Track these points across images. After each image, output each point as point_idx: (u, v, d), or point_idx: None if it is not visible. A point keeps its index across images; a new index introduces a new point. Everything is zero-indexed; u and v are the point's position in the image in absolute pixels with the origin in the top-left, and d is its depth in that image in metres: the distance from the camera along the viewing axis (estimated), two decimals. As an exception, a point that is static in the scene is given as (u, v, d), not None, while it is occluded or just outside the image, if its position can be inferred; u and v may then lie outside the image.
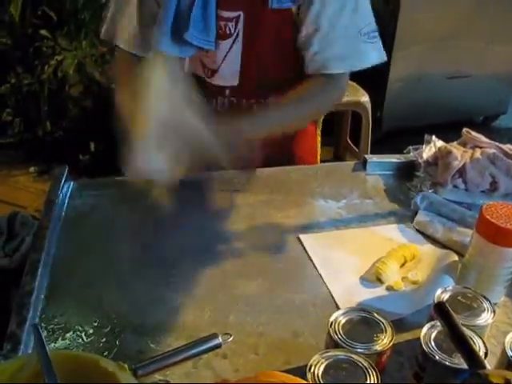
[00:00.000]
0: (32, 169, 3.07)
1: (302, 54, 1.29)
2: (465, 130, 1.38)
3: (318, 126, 1.66)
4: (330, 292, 1.01)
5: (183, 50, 1.24)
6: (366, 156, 1.40)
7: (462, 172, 1.27)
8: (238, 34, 1.26)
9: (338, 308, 0.96)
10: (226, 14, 1.24)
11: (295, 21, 1.26)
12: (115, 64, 1.35)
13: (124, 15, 1.29)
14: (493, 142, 1.35)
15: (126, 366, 0.63)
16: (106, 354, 0.86)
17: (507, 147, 1.32)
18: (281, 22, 1.26)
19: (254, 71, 1.31)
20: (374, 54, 1.29)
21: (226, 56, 1.28)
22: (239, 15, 1.24)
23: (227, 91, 1.33)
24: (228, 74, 1.31)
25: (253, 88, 1.33)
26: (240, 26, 1.25)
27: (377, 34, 1.28)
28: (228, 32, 1.26)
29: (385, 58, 1.31)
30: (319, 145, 1.64)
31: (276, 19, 1.25)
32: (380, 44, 1.30)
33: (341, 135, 3.13)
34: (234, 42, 1.27)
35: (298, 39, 1.27)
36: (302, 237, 1.14)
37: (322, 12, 1.22)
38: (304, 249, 1.11)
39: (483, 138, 1.36)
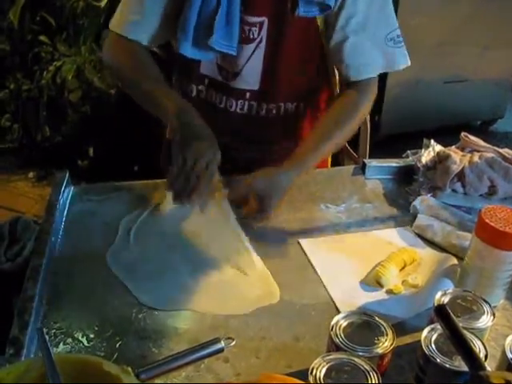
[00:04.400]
0: (31, 174, 3.07)
1: (334, 62, 1.34)
2: (463, 134, 1.39)
3: None
4: (330, 296, 1.02)
5: (204, 54, 1.26)
6: (365, 160, 1.41)
7: (460, 176, 1.28)
8: (261, 40, 1.27)
9: (338, 312, 0.96)
10: (250, 19, 1.24)
11: (321, 29, 1.28)
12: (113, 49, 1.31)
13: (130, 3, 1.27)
14: (491, 146, 1.36)
15: (129, 369, 0.63)
16: (107, 358, 0.86)
17: (505, 151, 1.33)
18: (305, 30, 1.27)
19: (275, 76, 1.32)
20: (400, 59, 1.33)
21: (248, 60, 1.29)
22: (263, 21, 1.25)
23: (248, 95, 1.33)
24: (249, 77, 1.31)
25: (273, 93, 1.34)
26: (264, 31, 1.26)
27: (401, 39, 1.31)
28: (251, 37, 1.26)
29: (409, 63, 1.34)
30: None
31: (300, 26, 1.26)
32: (404, 48, 1.33)
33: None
34: (256, 47, 1.28)
35: (327, 48, 1.30)
36: (302, 241, 1.15)
37: (350, 20, 1.25)
38: (304, 253, 1.12)
39: (481, 142, 1.37)
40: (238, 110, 1.35)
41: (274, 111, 1.36)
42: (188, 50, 1.23)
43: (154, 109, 1.21)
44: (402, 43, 1.32)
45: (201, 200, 1.10)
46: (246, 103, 1.34)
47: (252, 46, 1.27)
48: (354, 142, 3.04)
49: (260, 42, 1.27)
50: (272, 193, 1.15)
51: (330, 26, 1.27)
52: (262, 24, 1.25)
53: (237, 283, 1.03)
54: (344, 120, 1.29)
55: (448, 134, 1.65)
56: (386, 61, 1.31)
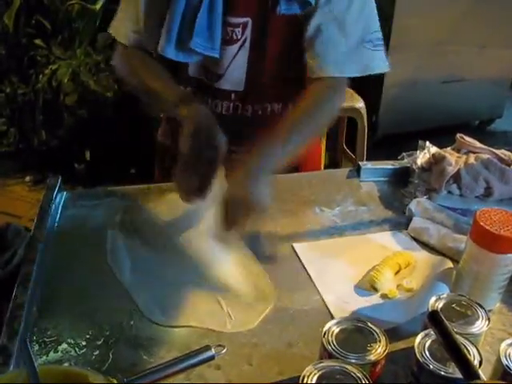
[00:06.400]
0: (28, 178, 3.06)
1: (304, 58, 1.28)
2: (458, 135, 1.38)
3: (322, 135, 1.66)
4: (323, 301, 1.01)
5: (188, 56, 1.25)
6: (360, 163, 1.39)
7: (456, 178, 1.27)
8: (245, 40, 1.26)
9: (332, 317, 0.96)
10: (233, 20, 1.23)
11: (301, 27, 1.26)
12: (123, 59, 1.34)
13: (129, 11, 1.29)
14: (486, 147, 1.35)
15: (115, 380, 0.62)
16: (98, 366, 0.85)
17: (501, 152, 1.32)
18: (288, 29, 1.26)
19: (260, 77, 1.30)
20: (376, 63, 1.28)
21: (232, 61, 1.28)
22: (247, 21, 1.24)
23: (233, 96, 1.32)
24: (234, 78, 1.30)
25: (258, 93, 1.33)
26: (247, 32, 1.25)
27: (381, 42, 1.28)
28: (235, 38, 1.25)
29: (387, 68, 1.29)
30: (323, 152, 1.64)
31: (283, 25, 1.24)
32: (384, 53, 1.28)
33: (337, 141, 3.13)
34: (240, 48, 1.27)
35: (303, 44, 1.26)
36: (296, 246, 1.14)
37: (326, 17, 1.22)
38: (298, 258, 1.11)
39: (477, 144, 1.36)
40: (223, 112, 1.33)
41: (260, 112, 1.34)
42: (171, 52, 1.22)
43: (160, 103, 1.25)
44: (382, 47, 1.28)
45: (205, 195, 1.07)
46: (232, 104, 1.33)
47: (235, 46, 1.26)
48: (352, 142, 3.04)
49: (244, 42, 1.26)
50: (254, 205, 1.04)
51: (306, 22, 1.23)
52: (245, 24, 1.24)
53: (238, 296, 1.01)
54: (316, 114, 1.23)
55: (446, 134, 1.64)
56: (361, 63, 1.26)
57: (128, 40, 1.28)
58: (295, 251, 1.12)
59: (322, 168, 1.60)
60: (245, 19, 1.24)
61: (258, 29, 1.24)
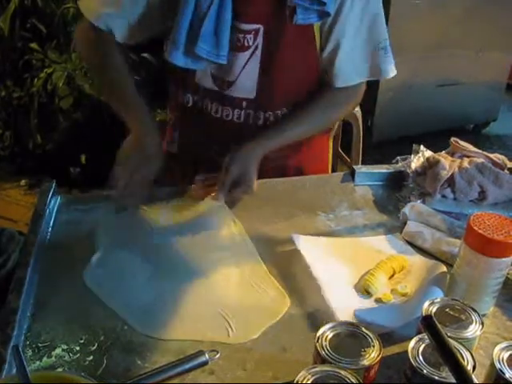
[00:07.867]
0: (23, 182, 3.06)
1: (324, 70, 1.34)
2: (453, 139, 1.39)
3: (330, 136, 1.66)
4: (317, 306, 1.00)
5: (196, 63, 1.24)
6: (354, 167, 1.40)
7: (450, 182, 1.27)
8: (256, 47, 1.26)
9: (325, 322, 0.95)
10: (244, 26, 1.23)
11: (315, 37, 1.28)
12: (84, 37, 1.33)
13: None
14: (480, 151, 1.35)
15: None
16: (92, 371, 0.85)
17: (495, 156, 1.33)
18: (301, 38, 1.27)
19: (271, 84, 1.31)
20: (388, 68, 1.34)
21: (243, 68, 1.28)
22: (259, 28, 1.24)
23: (244, 103, 1.32)
24: (245, 86, 1.30)
25: (270, 101, 1.33)
26: (259, 39, 1.25)
27: (390, 48, 1.33)
28: (246, 44, 1.25)
29: (396, 72, 1.36)
30: (331, 156, 1.64)
31: (297, 34, 1.25)
32: (392, 58, 1.34)
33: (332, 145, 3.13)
34: (252, 55, 1.27)
35: (320, 56, 1.31)
36: (295, 236, 1.14)
37: (344, 30, 1.26)
38: (291, 262, 1.10)
39: (471, 148, 1.36)
40: (234, 119, 1.33)
41: (272, 119, 1.34)
42: (179, 58, 1.22)
43: (118, 110, 1.27)
44: (390, 52, 1.33)
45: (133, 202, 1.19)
46: (243, 112, 1.33)
47: (247, 53, 1.26)
48: (347, 146, 3.03)
49: (255, 49, 1.26)
50: (247, 174, 1.19)
51: (324, 35, 1.28)
52: (257, 31, 1.24)
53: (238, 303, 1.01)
54: (320, 111, 1.34)
55: (441, 138, 1.65)
56: (373, 69, 1.33)
57: (97, 19, 1.26)
58: (290, 255, 1.11)
59: (330, 170, 1.61)
60: (256, 26, 1.24)
61: (271, 36, 1.25)
